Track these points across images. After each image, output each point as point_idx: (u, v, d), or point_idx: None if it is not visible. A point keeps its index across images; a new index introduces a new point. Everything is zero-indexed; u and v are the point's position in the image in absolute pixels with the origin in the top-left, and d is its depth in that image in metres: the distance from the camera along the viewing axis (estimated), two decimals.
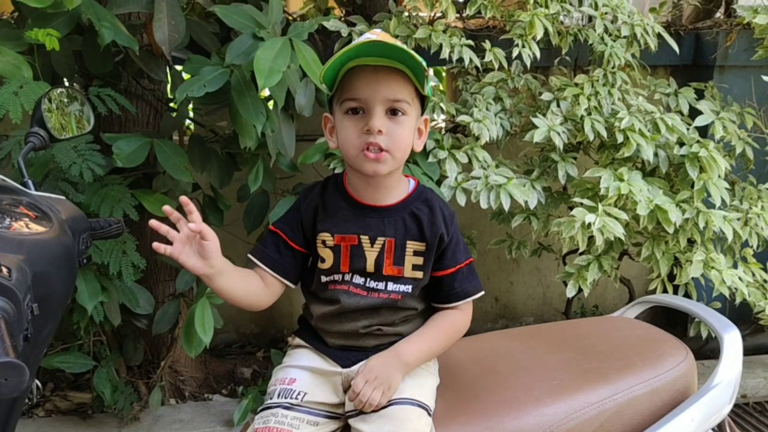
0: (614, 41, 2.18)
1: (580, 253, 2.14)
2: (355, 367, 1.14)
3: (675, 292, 2.28)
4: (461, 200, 1.99)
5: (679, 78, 2.46)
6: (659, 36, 2.22)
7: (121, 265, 1.84)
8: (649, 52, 2.34)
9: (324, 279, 1.17)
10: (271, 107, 1.79)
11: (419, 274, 1.16)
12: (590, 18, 2.80)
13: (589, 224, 1.92)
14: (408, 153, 1.13)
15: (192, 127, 2.35)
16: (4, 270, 0.70)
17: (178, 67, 2.01)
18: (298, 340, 1.23)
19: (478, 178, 2.01)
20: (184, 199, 1.04)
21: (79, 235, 0.99)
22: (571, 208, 2.31)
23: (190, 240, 1.03)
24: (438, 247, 1.16)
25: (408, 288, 1.16)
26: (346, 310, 1.15)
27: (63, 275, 0.85)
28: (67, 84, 1.88)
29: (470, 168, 2.06)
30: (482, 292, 1.20)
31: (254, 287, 1.15)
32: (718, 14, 3.12)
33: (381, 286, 1.15)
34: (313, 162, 1.94)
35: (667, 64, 2.91)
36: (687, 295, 2.33)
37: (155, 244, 1.02)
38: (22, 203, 0.91)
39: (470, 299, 1.20)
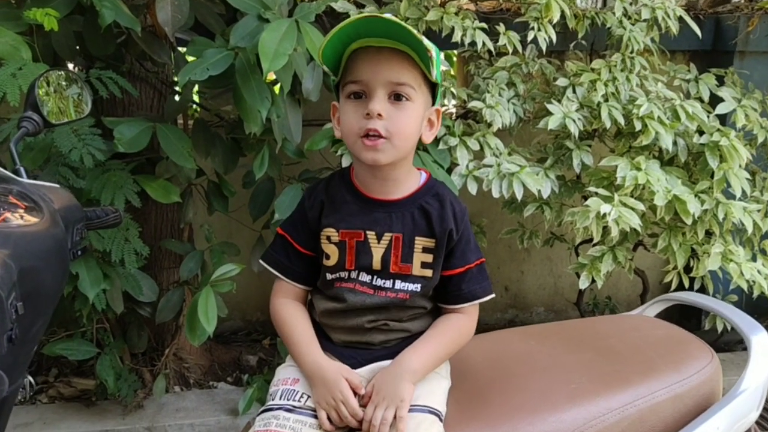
0: (633, 25, 2.10)
1: (594, 244, 2.08)
2: (362, 370, 1.09)
3: (691, 285, 2.22)
4: (472, 189, 1.94)
5: (697, 64, 2.38)
6: (680, 20, 2.14)
7: (123, 253, 1.80)
8: (667, 36, 2.26)
9: (329, 276, 1.12)
10: (277, 92, 1.73)
11: (428, 273, 1.10)
12: (605, 1, 2.72)
13: (604, 214, 1.87)
14: (413, 142, 1.07)
15: (198, 110, 2.30)
16: None
17: (182, 49, 1.95)
18: None
19: (490, 166, 1.95)
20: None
21: (72, 226, 0.94)
22: (585, 198, 2.26)
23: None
24: (447, 244, 1.10)
25: (417, 287, 1.11)
26: (351, 308, 1.11)
27: (53, 270, 0.81)
28: (65, 66, 1.83)
29: (482, 155, 2.00)
30: (491, 295, 1.15)
31: (306, 316, 1.17)
32: None
33: (388, 284, 1.10)
34: (320, 148, 1.88)
35: (685, 49, 2.83)
36: (703, 288, 2.27)
37: None
38: (12, 192, 0.86)
39: (477, 302, 1.14)
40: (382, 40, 1.01)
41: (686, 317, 3.10)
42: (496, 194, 1.92)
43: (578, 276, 2.18)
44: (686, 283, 2.21)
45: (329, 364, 1.08)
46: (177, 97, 1.97)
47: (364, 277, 1.10)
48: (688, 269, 2.17)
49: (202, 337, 1.83)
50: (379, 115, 1.01)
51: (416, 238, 1.09)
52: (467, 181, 1.94)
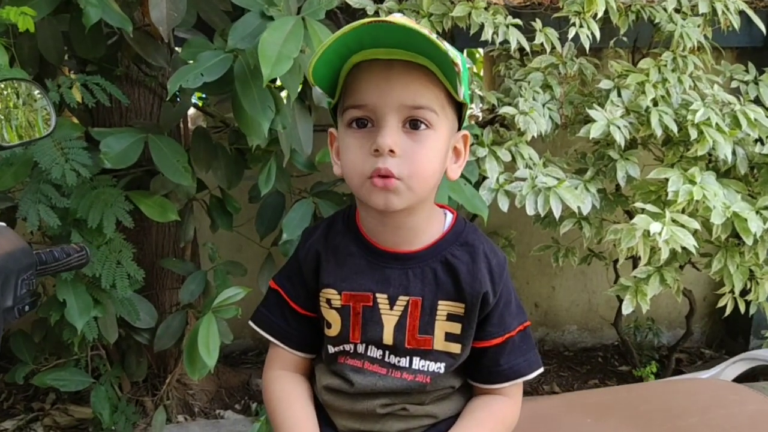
0: (684, 20, 1.87)
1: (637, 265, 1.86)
2: None
3: (747, 310, 1.99)
4: (504, 205, 1.73)
5: (747, 61, 2.14)
6: (741, 13, 1.90)
7: (115, 277, 1.62)
8: (715, 32, 2.02)
9: (332, 349, 0.90)
10: (284, 98, 1.54)
11: (456, 348, 0.87)
12: None
13: (653, 234, 1.65)
14: (435, 182, 0.82)
15: (201, 116, 2.12)
16: None
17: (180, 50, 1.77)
18: None
19: (524, 180, 1.74)
20: None
21: (16, 277, 0.76)
22: (628, 212, 2.03)
23: None
24: (481, 310, 0.86)
25: (440, 367, 0.87)
26: (360, 392, 0.88)
27: None
28: (51, 73, 1.66)
29: (513, 167, 1.78)
30: (539, 370, 0.91)
31: (308, 394, 0.94)
32: None
33: (404, 362, 0.87)
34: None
35: (734, 46, 2.58)
36: (759, 314, 2.04)
37: None
38: None
39: (521, 380, 0.90)
40: (392, 50, 0.77)
41: (732, 335, 2.87)
42: (530, 211, 1.71)
43: (620, 299, 1.96)
44: (742, 308, 1.98)
45: None
46: (174, 104, 1.77)
47: (374, 352, 0.88)
48: (743, 292, 1.94)
49: (203, 371, 1.65)
50: (391, 151, 0.77)
51: (439, 302, 0.86)
52: (498, 197, 1.74)
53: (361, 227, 0.89)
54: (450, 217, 0.90)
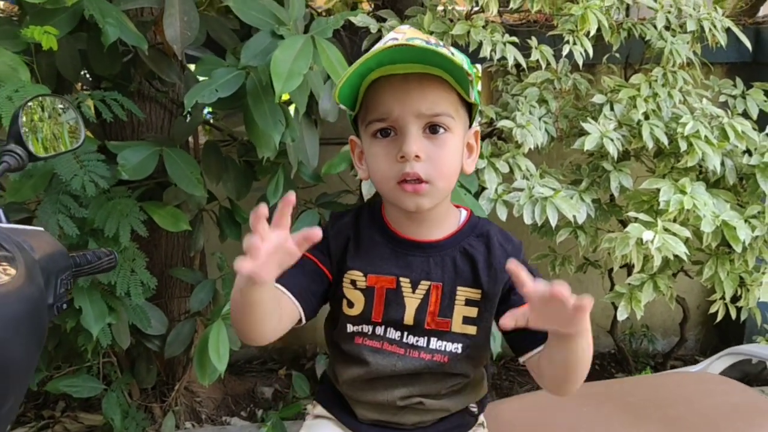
0: (674, 37, 1.95)
1: (630, 272, 1.92)
2: None
3: (738, 315, 2.06)
4: (502, 214, 1.79)
5: (736, 76, 2.22)
6: (729, 31, 1.99)
7: (129, 285, 1.68)
8: (705, 49, 2.10)
9: (350, 328, 0.96)
10: (291, 112, 1.61)
11: (472, 330, 0.94)
12: (627, 10, 2.54)
13: (646, 242, 1.71)
14: (456, 178, 0.91)
15: (206, 129, 2.19)
16: None
17: (193, 67, 1.84)
18: (319, 409, 1.02)
19: (521, 190, 1.81)
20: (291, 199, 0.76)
21: (56, 277, 0.82)
22: (622, 222, 2.10)
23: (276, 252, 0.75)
24: (502, 293, 0.93)
25: (457, 347, 0.94)
26: (378, 375, 0.94)
27: (25, 338, 0.68)
28: (67, 90, 1.73)
29: (511, 178, 1.86)
30: None
31: (274, 315, 0.86)
32: (762, 11, 2.86)
33: (422, 342, 0.93)
34: (338, 172, 1.75)
35: (723, 62, 2.67)
36: (750, 319, 2.11)
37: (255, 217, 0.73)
38: None
39: None
40: (408, 65, 0.85)
41: (725, 341, 2.92)
42: (528, 220, 1.78)
43: (615, 306, 2.02)
44: (733, 314, 2.05)
45: None
46: (186, 118, 1.85)
47: (393, 334, 0.94)
48: (734, 299, 2.00)
49: (213, 376, 1.70)
50: (417, 156, 0.85)
51: (458, 288, 0.93)
52: (496, 206, 1.80)
53: (386, 219, 0.96)
54: (465, 212, 0.98)
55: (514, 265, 0.75)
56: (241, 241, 0.77)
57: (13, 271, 0.72)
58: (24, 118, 0.96)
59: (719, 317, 2.04)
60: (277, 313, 0.87)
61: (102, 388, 1.96)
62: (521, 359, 0.93)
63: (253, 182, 1.87)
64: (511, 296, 0.93)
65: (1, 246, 0.75)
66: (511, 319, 0.76)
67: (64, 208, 1.54)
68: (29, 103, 1.00)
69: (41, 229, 0.88)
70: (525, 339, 0.90)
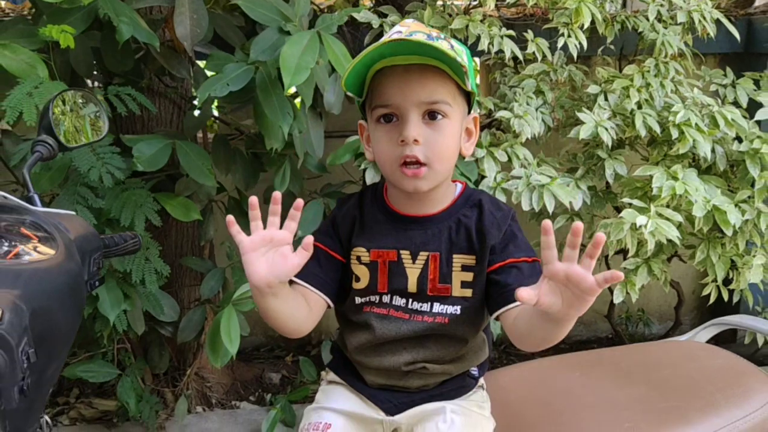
0: (665, 28, 2.02)
1: (626, 257, 1.99)
2: (399, 417, 1.02)
3: (730, 297, 2.13)
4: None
5: (729, 66, 2.29)
6: (716, 22, 2.05)
7: (144, 273, 1.75)
8: (698, 40, 2.17)
9: (359, 300, 1.05)
10: (298, 105, 1.68)
11: (469, 293, 1.02)
12: (624, 4, 2.61)
13: (640, 226, 1.78)
14: (454, 161, 1.00)
15: (216, 125, 2.26)
16: None
17: (201, 63, 1.91)
18: (332, 375, 1.10)
19: (519, 178, 1.88)
20: (277, 196, 0.87)
21: (89, 257, 0.89)
22: (617, 208, 2.17)
23: (268, 243, 0.86)
24: (490, 252, 1.00)
25: (456, 309, 1.02)
26: (385, 340, 1.03)
27: (67, 308, 0.75)
28: (83, 83, 1.80)
29: (510, 167, 1.93)
30: None
31: (301, 311, 0.98)
32: (759, 0, 2.92)
33: (425, 307, 1.02)
34: (342, 162, 1.82)
35: (716, 52, 2.73)
36: (741, 301, 2.18)
37: (230, 219, 0.87)
38: (25, 223, 0.81)
39: None
40: (409, 57, 0.94)
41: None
42: (525, 207, 1.85)
43: (611, 290, 2.09)
44: (725, 296, 2.12)
45: None
46: (196, 113, 1.92)
47: (398, 301, 1.03)
48: (726, 281, 2.07)
49: (225, 359, 1.78)
50: (416, 140, 0.94)
51: (454, 255, 1.01)
52: (495, 194, 1.87)
53: (387, 199, 1.05)
54: (460, 186, 1.06)
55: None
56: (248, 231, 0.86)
57: (52, 251, 0.79)
58: (53, 111, 1.03)
59: (712, 299, 2.11)
60: (304, 309, 0.97)
61: (117, 373, 2.03)
62: (494, 314, 0.99)
63: (261, 173, 1.94)
64: (492, 256, 0.99)
65: (41, 227, 0.83)
66: (532, 295, 0.78)
67: (81, 198, 1.60)
68: (57, 97, 1.07)
69: (73, 213, 0.95)
70: (501, 295, 0.97)
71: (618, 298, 2.00)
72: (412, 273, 1.01)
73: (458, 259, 1.01)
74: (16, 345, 0.60)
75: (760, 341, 2.21)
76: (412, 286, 1.02)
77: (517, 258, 0.99)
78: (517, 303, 0.89)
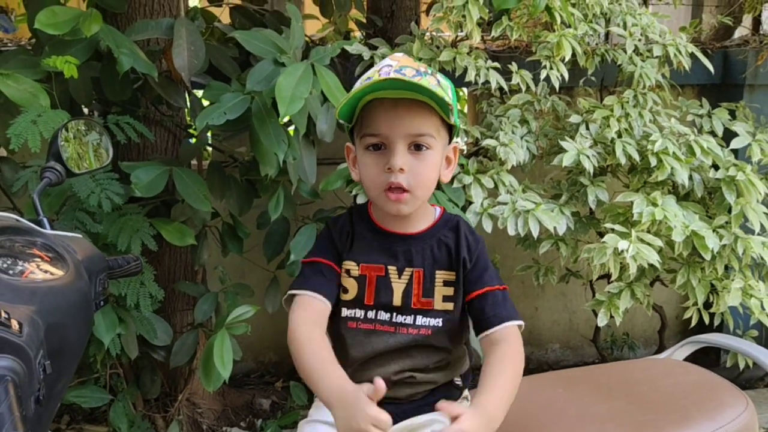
0: (643, 61, 2.11)
1: (611, 281, 2.05)
2: (391, 430, 1.05)
3: (711, 321, 2.18)
4: (488, 226, 1.92)
5: (707, 97, 2.39)
6: (691, 55, 2.15)
7: (138, 297, 1.79)
8: (676, 72, 2.27)
9: (345, 312, 1.11)
10: (291, 133, 1.74)
11: (450, 306, 1.09)
12: (607, 37, 2.72)
13: (622, 251, 1.85)
14: (433, 187, 1.09)
15: (209, 150, 2.31)
16: (15, 324, 0.65)
17: (198, 93, 1.97)
18: None
19: (505, 204, 1.94)
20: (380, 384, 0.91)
21: (95, 277, 0.93)
22: (600, 234, 2.24)
23: None
24: (463, 273, 1.09)
25: (438, 322, 1.09)
26: (374, 354, 1.09)
27: (78, 324, 0.79)
28: (85, 114, 1.85)
29: (496, 193, 1.99)
30: (520, 321, 1.07)
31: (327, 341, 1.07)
32: (737, 33, 3.05)
33: (409, 320, 1.09)
34: (334, 188, 1.88)
35: (694, 84, 2.84)
36: (723, 324, 2.23)
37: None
38: (36, 245, 0.86)
39: (508, 324, 1.05)
40: (399, 92, 1.01)
41: (704, 352, 3.05)
42: (511, 232, 1.91)
43: (595, 314, 2.14)
44: (706, 319, 2.17)
45: (354, 386, 0.94)
46: (192, 140, 1.97)
47: (383, 316, 1.09)
48: (707, 305, 2.14)
49: (218, 383, 1.80)
50: (401, 169, 1.01)
51: (437, 271, 1.09)
52: (482, 219, 1.93)
53: (372, 217, 1.13)
54: (439, 209, 1.15)
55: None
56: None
57: (65, 269, 0.83)
58: (61, 139, 1.08)
59: (693, 322, 2.16)
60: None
61: (109, 398, 2.04)
62: (478, 337, 1.09)
63: (254, 199, 1.99)
64: (468, 284, 1.09)
65: (52, 248, 0.87)
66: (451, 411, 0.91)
67: (80, 223, 1.65)
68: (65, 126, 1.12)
69: (80, 236, 1.00)
70: (479, 322, 1.07)
71: (602, 321, 2.05)
72: (398, 287, 1.08)
73: (440, 275, 1.09)
74: (34, 356, 0.65)
75: (742, 364, 2.26)
76: (397, 300, 1.08)
77: (491, 287, 1.09)
78: (495, 329, 1.04)
